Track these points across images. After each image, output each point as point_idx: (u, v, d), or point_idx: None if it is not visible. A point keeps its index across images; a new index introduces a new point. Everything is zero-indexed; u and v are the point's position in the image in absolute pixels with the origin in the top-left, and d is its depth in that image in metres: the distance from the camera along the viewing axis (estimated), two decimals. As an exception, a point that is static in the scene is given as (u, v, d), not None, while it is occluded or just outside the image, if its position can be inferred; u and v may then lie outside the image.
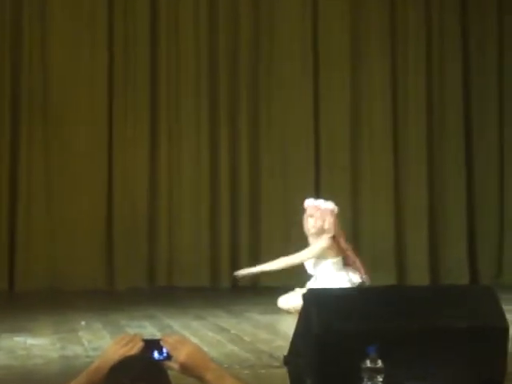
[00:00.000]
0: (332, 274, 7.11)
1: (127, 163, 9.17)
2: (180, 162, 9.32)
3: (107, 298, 8.31)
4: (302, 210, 7.36)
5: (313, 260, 7.21)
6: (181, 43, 9.36)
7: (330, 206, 7.28)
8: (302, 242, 7.37)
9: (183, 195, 9.30)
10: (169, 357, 2.53)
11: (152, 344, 2.58)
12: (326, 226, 7.18)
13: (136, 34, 9.23)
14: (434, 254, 9.65)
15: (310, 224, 7.27)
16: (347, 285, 7.00)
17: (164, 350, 2.55)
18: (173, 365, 2.50)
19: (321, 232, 7.20)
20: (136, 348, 2.55)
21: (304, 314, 3.59)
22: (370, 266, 8.92)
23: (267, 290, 8.43)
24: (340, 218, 7.37)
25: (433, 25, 9.79)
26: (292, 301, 6.82)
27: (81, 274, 8.82)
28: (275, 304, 7.08)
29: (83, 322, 6.39)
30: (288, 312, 6.80)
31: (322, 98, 9.58)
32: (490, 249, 9.79)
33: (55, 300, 7.91)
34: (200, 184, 9.31)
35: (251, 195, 9.41)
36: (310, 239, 7.32)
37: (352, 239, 8.99)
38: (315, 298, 3.56)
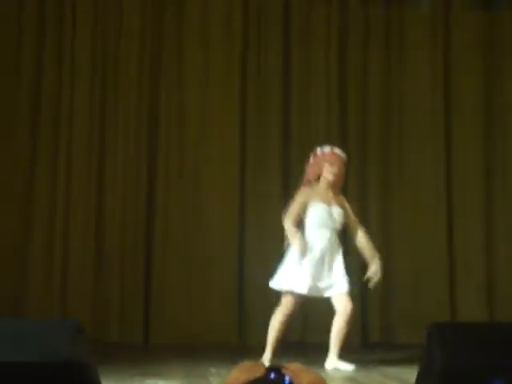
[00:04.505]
0: None
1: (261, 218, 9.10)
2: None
3: (238, 350, 8.35)
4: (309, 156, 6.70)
5: None
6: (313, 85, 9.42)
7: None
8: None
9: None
10: (291, 383, 2.57)
11: (274, 370, 2.62)
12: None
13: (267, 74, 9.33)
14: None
15: (332, 172, 6.42)
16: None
17: (286, 377, 2.60)
18: (295, 391, 2.54)
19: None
20: (258, 374, 2.60)
21: (428, 350, 3.56)
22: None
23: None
24: None
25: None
26: None
27: (214, 330, 8.88)
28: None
29: (213, 369, 6.47)
30: None
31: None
32: None
33: (188, 350, 8.01)
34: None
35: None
36: (330, 191, 6.52)
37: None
38: (439, 333, 3.53)
